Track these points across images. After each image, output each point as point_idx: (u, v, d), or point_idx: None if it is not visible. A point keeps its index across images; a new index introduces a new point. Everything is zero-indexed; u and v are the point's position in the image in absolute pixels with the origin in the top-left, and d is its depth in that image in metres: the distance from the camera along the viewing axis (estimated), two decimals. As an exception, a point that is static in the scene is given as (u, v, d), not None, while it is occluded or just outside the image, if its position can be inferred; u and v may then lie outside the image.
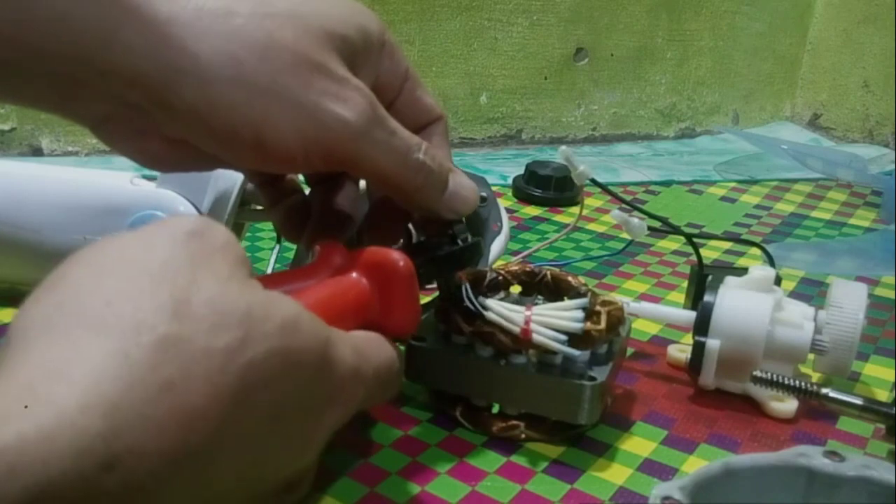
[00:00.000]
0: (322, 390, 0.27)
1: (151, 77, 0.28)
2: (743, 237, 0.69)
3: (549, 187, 0.73)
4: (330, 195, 0.37)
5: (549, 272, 0.40)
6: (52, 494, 0.19)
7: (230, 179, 0.46)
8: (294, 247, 0.45)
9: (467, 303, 0.35)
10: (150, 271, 0.23)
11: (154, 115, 0.29)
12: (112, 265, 0.23)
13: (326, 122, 0.29)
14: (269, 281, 0.28)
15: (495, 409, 0.38)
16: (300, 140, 0.30)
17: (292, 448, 0.26)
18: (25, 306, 0.23)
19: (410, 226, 0.38)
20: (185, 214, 0.26)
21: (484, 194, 0.44)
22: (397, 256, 0.32)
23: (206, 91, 0.28)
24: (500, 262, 0.48)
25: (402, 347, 0.36)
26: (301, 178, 0.39)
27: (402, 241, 0.38)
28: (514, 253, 0.58)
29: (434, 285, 0.38)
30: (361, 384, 0.29)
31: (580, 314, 0.35)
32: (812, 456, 0.29)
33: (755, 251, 0.62)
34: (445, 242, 0.36)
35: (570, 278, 0.39)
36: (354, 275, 0.32)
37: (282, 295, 0.26)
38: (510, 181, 0.77)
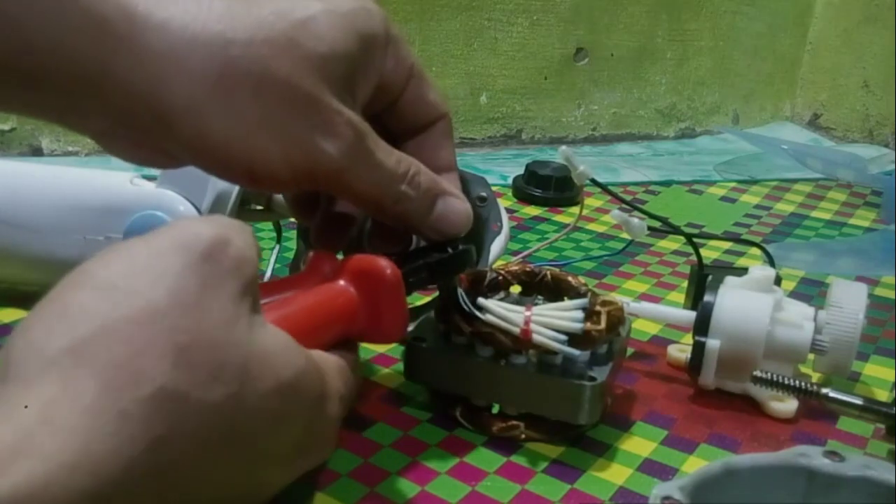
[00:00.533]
0: (307, 442, 0.28)
1: (144, 111, 0.28)
2: (743, 237, 0.69)
3: (549, 187, 0.73)
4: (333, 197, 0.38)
5: (549, 272, 0.40)
6: None
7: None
8: (293, 247, 0.45)
9: (463, 306, 0.36)
10: (157, 306, 0.23)
11: (152, 133, 0.30)
12: (117, 293, 0.23)
13: (313, 155, 0.30)
14: (262, 290, 0.28)
15: (495, 409, 0.38)
16: (289, 169, 0.30)
17: (265, 489, 0.27)
18: (27, 329, 0.22)
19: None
20: (200, 220, 0.26)
21: (484, 194, 0.44)
22: (384, 264, 0.33)
23: (200, 126, 0.29)
24: (500, 262, 0.48)
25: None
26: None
27: (403, 245, 0.38)
28: (514, 253, 0.58)
29: (434, 286, 0.38)
30: (336, 427, 0.30)
31: (580, 314, 0.35)
32: (812, 456, 0.29)
33: (755, 251, 0.62)
34: (437, 249, 0.36)
35: (570, 278, 0.39)
36: (342, 282, 0.33)
37: (288, 344, 0.26)
38: (510, 181, 0.77)
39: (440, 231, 0.35)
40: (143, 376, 0.22)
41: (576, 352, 0.35)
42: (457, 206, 0.35)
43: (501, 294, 0.40)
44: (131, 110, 0.28)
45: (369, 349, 0.45)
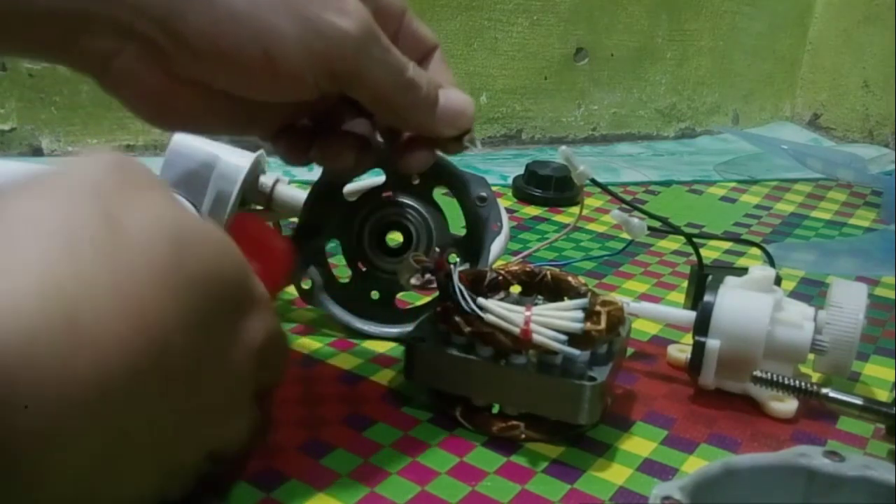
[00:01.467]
0: (243, 320, 0.27)
1: (156, 3, 0.28)
2: (743, 237, 0.69)
3: (549, 187, 0.73)
4: (335, 121, 0.38)
5: (549, 272, 0.40)
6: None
7: (230, 179, 0.46)
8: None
9: (464, 306, 0.36)
10: (81, 191, 0.23)
11: (162, 46, 0.29)
12: (40, 187, 0.24)
13: (329, 35, 0.30)
14: None
15: (495, 409, 0.38)
16: (306, 55, 0.30)
17: (217, 393, 0.26)
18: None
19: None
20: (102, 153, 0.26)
21: (484, 194, 0.44)
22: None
23: (212, 10, 0.29)
24: (500, 262, 0.48)
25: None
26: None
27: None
28: (514, 253, 0.58)
29: (434, 286, 0.38)
30: (269, 322, 0.29)
31: (580, 314, 0.35)
32: (812, 456, 0.29)
33: (755, 251, 0.62)
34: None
35: (570, 278, 0.39)
36: None
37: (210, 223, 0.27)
38: (510, 181, 0.77)
39: (450, 123, 0.36)
40: (85, 229, 0.22)
41: (576, 352, 0.35)
42: (457, 96, 0.36)
43: (501, 294, 0.40)
44: (140, 9, 0.29)
45: (369, 350, 0.45)
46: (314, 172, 0.43)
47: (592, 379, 0.36)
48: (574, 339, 0.35)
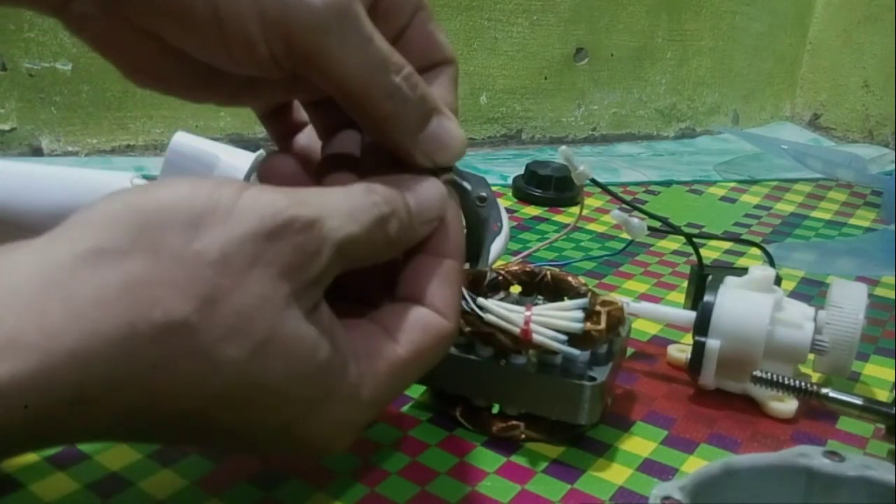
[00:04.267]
0: (298, 432, 0.27)
1: None
2: (743, 237, 0.69)
3: (549, 187, 0.73)
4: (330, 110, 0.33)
5: (549, 272, 0.40)
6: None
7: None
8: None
9: (464, 306, 0.35)
10: (205, 257, 0.23)
11: None
12: (184, 226, 0.23)
13: (288, 2, 0.26)
14: None
15: (495, 409, 0.38)
16: (259, 21, 0.26)
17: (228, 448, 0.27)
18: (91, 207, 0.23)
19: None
20: (288, 193, 0.25)
21: (484, 194, 0.44)
22: None
23: None
24: (500, 262, 0.48)
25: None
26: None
27: None
28: (514, 253, 0.58)
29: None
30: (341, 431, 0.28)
31: (580, 314, 0.35)
32: (812, 456, 0.29)
33: (755, 251, 0.62)
34: None
35: (570, 278, 0.39)
36: None
37: (315, 340, 0.25)
38: (510, 181, 0.77)
39: (429, 155, 0.30)
40: (164, 304, 0.22)
41: (576, 352, 0.35)
42: (454, 131, 0.30)
43: (501, 294, 0.40)
44: None
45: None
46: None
47: (592, 379, 0.36)
48: (574, 339, 0.35)
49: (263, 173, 0.33)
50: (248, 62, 0.28)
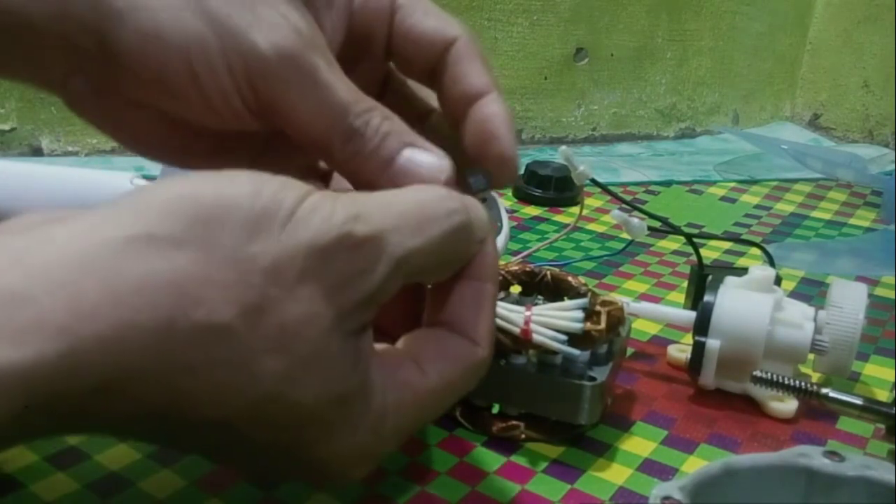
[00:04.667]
0: (325, 456, 0.26)
1: (91, 19, 0.27)
2: (743, 237, 0.69)
3: (549, 187, 0.73)
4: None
5: (549, 272, 0.40)
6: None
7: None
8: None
9: None
10: (257, 263, 0.22)
11: (103, 64, 0.29)
12: (243, 230, 0.22)
13: (245, 51, 0.27)
14: None
15: (495, 409, 0.38)
16: (228, 74, 0.27)
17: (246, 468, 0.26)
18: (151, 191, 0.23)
19: None
20: (364, 205, 0.25)
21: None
22: None
23: (138, 23, 0.27)
24: (500, 262, 0.48)
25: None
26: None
27: None
28: (514, 253, 0.58)
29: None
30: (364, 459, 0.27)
31: (580, 314, 0.35)
32: (812, 456, 0.29)
33: (755, 251, 0.62)
34: None
35: (570, 278, 0.39)
36: None
37: (351, 362, 0.24)
38: (510, 181, 0.77)
39: (400, 185, 0.28)
40: (208, 305, 0.21)
41: (576, 352, 0.35)
42: (426, 161, 0.28)
43: (501, 294, 0.40)
44: (83, 25, 0.28)
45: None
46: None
47: (592, 379, 0.36)
48: (574, 339, 0.35)
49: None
50: (228, 114, 0.28)
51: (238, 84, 0.27)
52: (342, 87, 0.28)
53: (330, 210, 0.23)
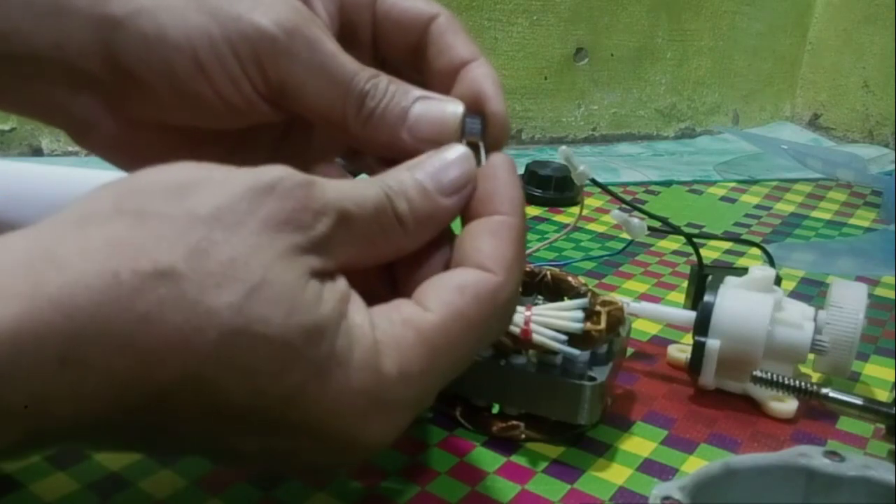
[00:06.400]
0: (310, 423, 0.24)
1: (93, 38, 0.28)
2: (743, 237, 0.69)
3: (549, 187, 0.73)
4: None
5: (549, 272, 0.40)
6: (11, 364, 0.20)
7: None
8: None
9: None
10: (196, 212, 0.22)
11: (108, 84, 0.29)
12: (168, 191, 0.23)
13: (250, 34, 0.27)
14: None
15: (495, 409, 0.38)
16: (236, 60, 0.28)
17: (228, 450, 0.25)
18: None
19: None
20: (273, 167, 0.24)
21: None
22: None
23: (139, 30, 0.28)
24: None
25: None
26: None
27: None
28: (514, 253, 0.58)
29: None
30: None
31: (580, 314, 0.35)
32: (812, 456, 0.29)
33: (755, 251, 0.62)
34: None
35: (570, 278, 0.39)
36: None
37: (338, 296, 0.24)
38: (510, 181, 0.77)
39: (421, 137, 0.29)
40: (150, 255, 0.21)
41: (576, 352, 0.35)
42: (438, 107, 0.29)
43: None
44: (84, 47, 0.28)
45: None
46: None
47: (592, 379, 0.36)
48: (574, 339, 0.35)
49: None
50: (240, 102, 0.29)
51: (246, 67, 0.28)
52: (347, 57, 0.28)
53: (268, 167, 0.24)
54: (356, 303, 0.25)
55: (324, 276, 0.24)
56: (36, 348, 0.20)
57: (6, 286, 0.20)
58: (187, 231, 0.22)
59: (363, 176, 0.31)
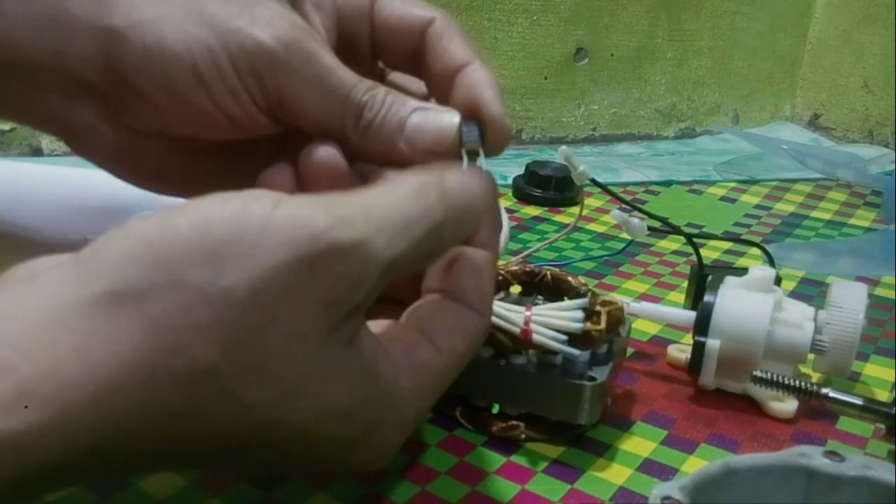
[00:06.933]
0: (333, 457, 0.26)
1: (93, 47, 0.28)
2: (743, 237, 0.69)
3: (549, 187, 0.73)
4: None
5: (549, 272, 0.40)
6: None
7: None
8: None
9: None
10: (233, 294, 0.21)
11: (108, 93, 0.29)
12: (207, 260, 0.21)
13: (249, 48, 0.27)
14: None
15: (495, 409, 0.38)
16: (235, 73, 0.28)
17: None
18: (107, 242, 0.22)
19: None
20: (326, 210, 0.23)
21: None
22: None
23: (141, 41, 0.28)
24: (500, 262, 0.48)
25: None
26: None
27: None
28: (514, 253, 0.58)
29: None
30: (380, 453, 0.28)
31: (580, 314, 0.35)
32: (812, 456, 0.29)
33: (755, 251, 0.62)
34: None
35: (570, 278, 0.39)
36: None
37: (359, 372, 0.24)
38: (510, 181, 0.77)
39: (418, 147, 0.29)
40: (187, 352, 0.21)
41: (576, 352, 0.35)
42: (436, 118, 0.29)
43: (501, 294, 0.40)
44: (85, 57, 0.28)
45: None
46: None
47: (592, 379, 0.36)
48: (574, 339, 0.35)
49: (302, 169, 0.30)
50: (239, 114, 0.29)
51: (245, 80, 0.28)
52: (345, 70, 0.29)
53: (308, 216, 0.22)
54: (381, 352, 0.25)
55: (357, 333, 0.24)
56: (63, 448, 0.20)
57: (34, 384, 0.19)
58: (223, 317, 0.21)
59: None
